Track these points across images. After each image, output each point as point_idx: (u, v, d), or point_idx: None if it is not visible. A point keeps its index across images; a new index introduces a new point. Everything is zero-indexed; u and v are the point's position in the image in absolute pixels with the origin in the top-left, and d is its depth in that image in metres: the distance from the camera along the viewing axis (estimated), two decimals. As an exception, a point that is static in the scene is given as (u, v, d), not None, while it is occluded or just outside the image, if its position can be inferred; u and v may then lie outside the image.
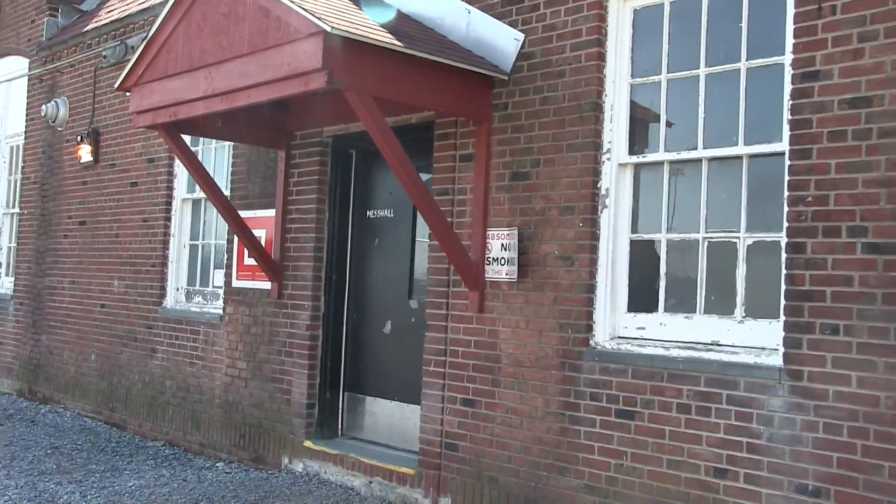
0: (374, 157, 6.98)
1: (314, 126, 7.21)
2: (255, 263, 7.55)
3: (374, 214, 7.07)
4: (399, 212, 6.84)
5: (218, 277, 8.50)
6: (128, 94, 8.89)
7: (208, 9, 5.89)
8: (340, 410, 7.23)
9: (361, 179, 7.19)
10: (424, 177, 6.33)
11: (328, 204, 7.21)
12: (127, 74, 6.62)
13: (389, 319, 6.85)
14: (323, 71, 4.97)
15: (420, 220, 6.70)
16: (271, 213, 7.55)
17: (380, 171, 7.04)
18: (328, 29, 4.88)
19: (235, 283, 7.88)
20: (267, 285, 7.52)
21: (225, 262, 8.15)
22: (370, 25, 5.35)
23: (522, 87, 5.70)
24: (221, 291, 8.29)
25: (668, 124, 5.13)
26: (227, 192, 8.11)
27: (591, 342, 5.23)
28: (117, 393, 9.40)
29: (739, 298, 4.72)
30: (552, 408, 5.34)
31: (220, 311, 8.13)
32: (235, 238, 7.82)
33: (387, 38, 5.22)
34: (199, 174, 6.88)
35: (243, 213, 7.48)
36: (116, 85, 6.73)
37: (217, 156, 8.60)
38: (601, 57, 5.33)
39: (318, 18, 4.93)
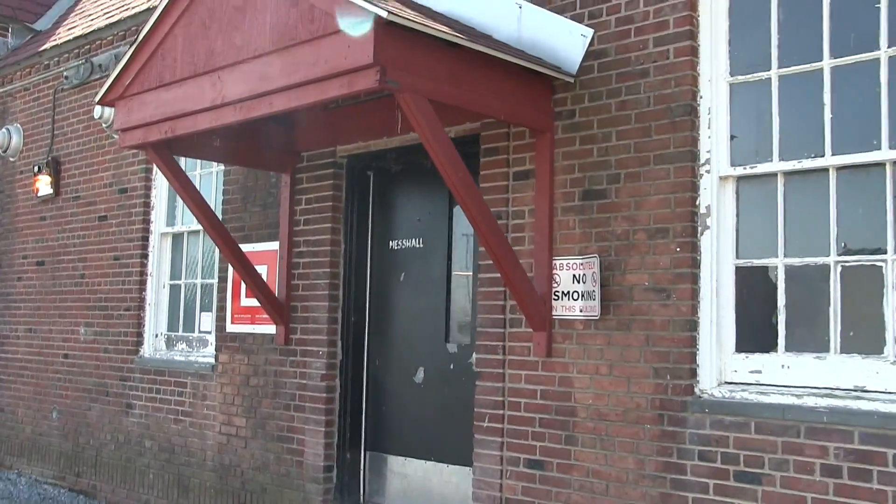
0: (398, 179, 6.10)
1: (325, 145, 6.30)
2: (256, 305, 6.56)
3: (398, 245, 6.15)
4: (431, 241, 5.94)
5: (205, 321, 7.47)
6: (99, 117, 7.94)
7: (216, 3, 4.95)
8: (362, 473, 6.23)
9: (382, 205, 6.27)
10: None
11: (344, 234, 6.27)
12: (110, 86, 5.63)
13: (422, 366, 5.91)
14: (374, 68, 4.08)
15: (457, 251, 5.80)
16: (274, 246, 6.58)
17: (405, 194, 6.13)
18: (384, 15, 3.99)
19: (231, 328, 6.86)
20: (270, 329, 6.52)
21: (216, 303, 7.13)
22: (419, 14, 4.47)
23: (593, 91, 4.87)
24: (212, 337, 7.26)
25: (782, 129, 4.32)
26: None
27: (696, 390, 4.35)
28: (84, 455, 8.24)
29: (891, 334, 3.90)
30: (648, 470, 4.45)
31: (212, 360, 7.09)
32: (230, 276, 6.83)
33: (446, 31, 4.34)
34: (196, 203, 5.90)
35: (245, 247, 6.49)
36: (98, 98, 5.73)
37: (202, 184, 7.59)
38: (694, 52, 4.53)
39: (369, 2, 4.04)
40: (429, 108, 4.29)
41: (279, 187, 6.63)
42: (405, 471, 5.97)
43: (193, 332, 7.64)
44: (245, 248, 6.55)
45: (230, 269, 6.86)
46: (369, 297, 6.30)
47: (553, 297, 4.93)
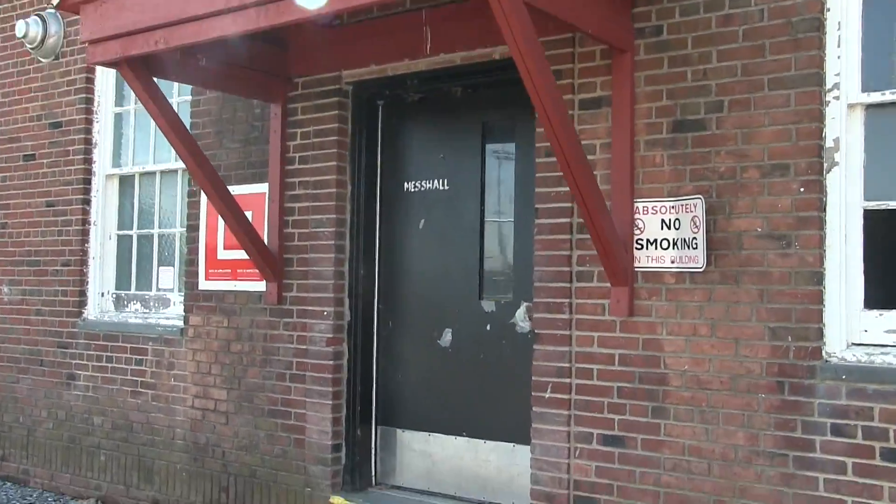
0: (416, 110, 5.31)
1: (326, 69, 5.40)
2: (237, 258, 5.66)
3: (416, 187, 5.33)
4: (458, 183, 5.15)
5: (165, 277, 6.49)
6: (23, 36, 6.76)
7: None
8: (373, 451, 5.44)
9: (394, 141, 5.44)
10: (520, 132, 4.72)
11: (350, 174, 5.41)
12: (73, -14, 4.57)
13: (448, 328, 5.15)
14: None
15: (491, 194, 5.04)
16: (260, 188, 5.67)
17: (425, 128, 5.32)
18: None
19: (204, 285, 5.93)
20: (258, 286, 5.63)
21: (184, 257, 6.17)
22: None
23: (687, 3, 4.16)
24: (175, 296, 6.31)
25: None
26: (181, 164, 6.12)
27: (823, 353, 3.75)
28: (12, 436, 7.18)
29: None
30: (764, 446, 3.85)
31: (180, 323, 6.14)
32: (202, 224, 5.88)
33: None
34: (179, 135, 4.95)
35: None
36: (55, 1, 4.64)
37: (161, 116, 6.52)
38: (819, -44, 3.85)
39: None
40: (524, 12, 3.47)
41: (266, 119, 5.69)
42: (428, 448, 5.22)
43: (150, 290, 6.64)
44: None
45: (202, 216, 5.92)
46: (379, 247, 5.48)
47: (635, 245, 4.22)
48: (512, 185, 4.99)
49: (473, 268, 5.09)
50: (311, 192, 5.43)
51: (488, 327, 5.02)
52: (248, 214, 5.64)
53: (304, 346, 5.42)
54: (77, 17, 6.46)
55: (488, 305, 5.04)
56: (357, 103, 5.44)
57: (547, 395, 4.47)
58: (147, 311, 6.58)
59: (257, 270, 5.58)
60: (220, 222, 5.80)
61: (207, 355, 5.90)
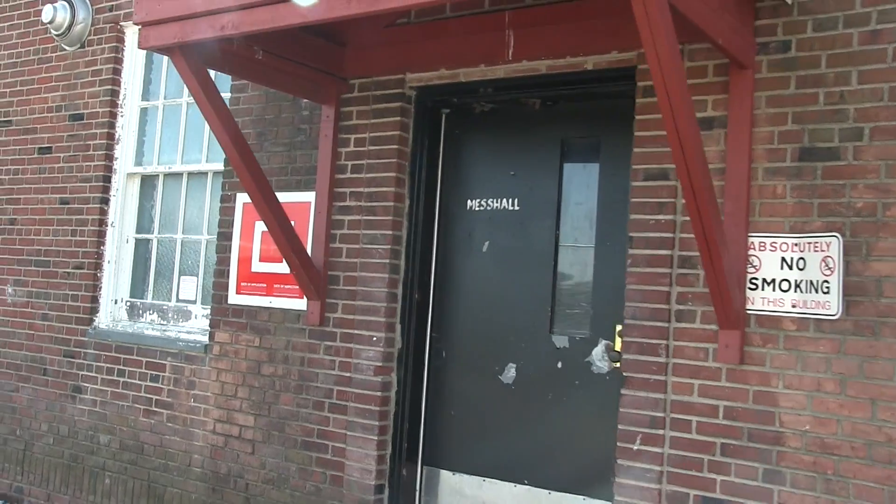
0: (484, 121, 4.78)
1: (388, 70, 4.84)
2: (274, 271, 5.10)
3: (480, 205, 4.77)
4: (530, 203, 4.60)
5: (187, 288, 5.88)
6: (49, 21, 6.18)
7: None
8: (418, 494, 4.85)
9: (457, 153, 4.89)
10: (607, 151, 4.19)
11: (410, 188, 4.84)
12: (122, -39, 3.98)
13: (512, 362, 4.58)
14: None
15: (568, 217, 4.49)
16: (304, 197, 5.09)
17: (493, 142, 4.77)
18: None
19: (234, 300, 5.32)
20: (298, 304, 5.04)
21: (212, 267, 5.58)
22: None
23: (822, 17, 3.64)
24: (197, 308, 5.72)
25: None
26: (218, 166, 5.55)
27: (976, 421, 3.21)
28: (7, 449, 6.53)
29: None
30: (901, 525, 3.28)
31: (204, 339, 5.53)
32: (236, 232, 5.29)
33: None
34: (230, 133, 4.36)
35: None
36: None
37: (193, 114, 5.96)
38: None
39: None
40: (667, 12, 2.93)
41: (314, 122, 5.13)
42: (482, 494, 4.64)
43: (168, 300, 6.02)
44: None
45: (237, 223, 5.34)
46: (435, 269, 4.89)
47: (748, 285, 3.67)
48: (593, 209, 4.45)
49: (544, 298, 4.53)
50: (364, 205, 4.85)
51: (559, 365, 4.46)
52: (292, 225, 5.04)
53: (348, 374, 4.83)
54: (106, 3, 5.93)
55: (560, 341, 4.47)
56: (420, 110, 4.88)
57: (636, 447, 3.90)
58: (165, 322, 5.96)
59: (298, 287, 5.00)
60: (257, 231, 5.22)
61: (234, 376, 5.29)
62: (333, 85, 4.96)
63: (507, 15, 4.39)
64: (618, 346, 4.26)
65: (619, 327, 4.26)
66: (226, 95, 5.57)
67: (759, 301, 3.69)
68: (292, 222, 5.06)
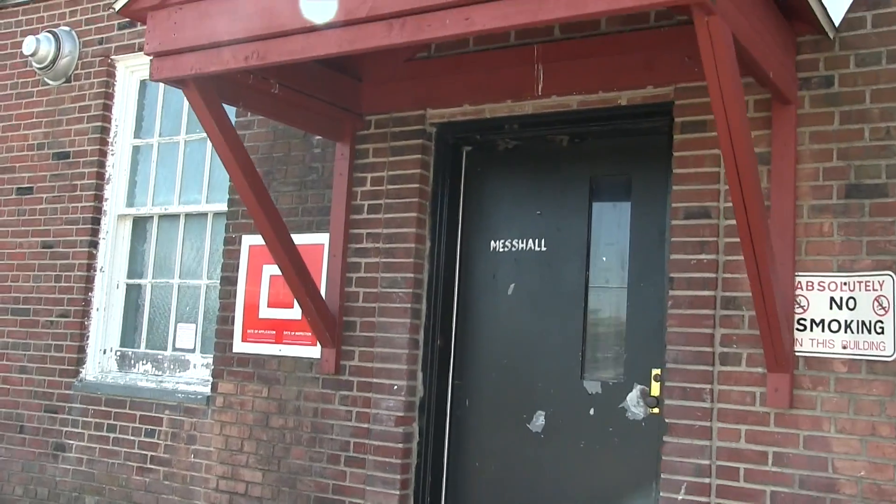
0: (508, 159, 4.99)
1: (407, 106, 5.02)
2: (285, 318, 5.22)
3: (505, 246, 4.94)
4: (558, 244, 4.77)
5: (185, 336, 5.98)
6: (31, 54, 6.31)
7: None
8: (441, 553, 4.93)
9: (479, 193, 5.06)
10: (639, 189, 4.38)
11: (431, 229, 4.99)
12: (140, -8, 4.15)
13: (541, 410, 4.72)
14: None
15: (598, 258, 4.65)
16: (317, 239, 5.23)
17: (518, 180, 4.96)
18: None
19: (240, 348, 5.42)
20: (310, 352, 5.15)
21: (214, 313, 5.68)
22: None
23: (865, 53, 3.90)
24: (196, 357, 5.81)
25: None
26: (219, 207, 5.68)
27: None
28: (-17, 512, 6.49)
29: None
30: (963, 571, 3.43)
31: (205, 390, 5.61)
32: (242, 276, 5.39)
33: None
34: (245, 170, 4.48)
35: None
36: (118, 6, 4.21)
37: (191, 152, 6.10)
38: None
39: None
40: (731, 42, 3.13)
41: (326, 160, 5.29)
42: (512, 551, 4.72)
43: (165, 349, 6.09)
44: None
45: (242, 267, 5.44)
46: (456, 312, 5.03)
47: (796, 326, 3.85)
48: (625, 249, 4.63)
49: (574, 341, 4.68)
50: (383, 247, 4.99)
51: (592, 412, 4.59)
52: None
53: (366, 425, 4.92)
54: (96, 36, 6.08)
55: (592, 386, 4.62)
56: (440, 147, 5.06)
57: (680, 497, 4.03)
58: (160, 373, 6.02)
59: (310, 334, 5.11)
60: (265, 275, 5.33)
61: (240, 429, 5.36)
62: (349, 121, 5.12)
63: (535, 49, 4.59)
64: (654, 391, 4.40)
65: (655, 371, 4.41)
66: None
67: (808, 342, 3.86)
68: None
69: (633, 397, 4.50)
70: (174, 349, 6.05)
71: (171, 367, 6.00)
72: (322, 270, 5.16)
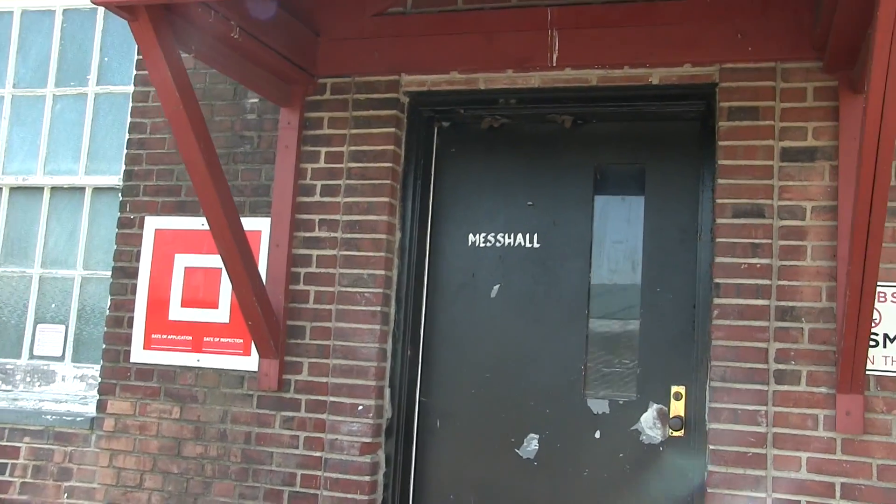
0: (493, 139, 4.46)
1: (376, 70, 4.33)
2: (204, 320, 4.41)
3: (486, 241, 4.36)
4: (553, 239, 4.27)
5: (49, 340, 4.95)
6: None
7: None
8: None
9: (455, 176, 4.47)
10: (654, 182, 3.97)
11: (402, 217, 4.31)
12: None
13: (534, 433, 4.18)
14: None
15: (603, 258, 4.19)
16: (253, 224, 4.46)
17: (503, 164, 4.40)
18: None
19: (142, 356, 4.50)
20: (242, 363, 4.34)
21: (101, 312, 4.70)
22: None
23: (943, 41, 3.60)
24: (73, 370, 4.79)
25: None
26: (109, 180, 4.74)
27: None
28: None
29: None
30: None
31: (87, 410, 4.63)
32: (144, 266, 4.49)
33: None
34: (198, 132, 3.63)
35: (183, 224, 4.32)
36: None
37: (62, 110, 5.06)
38: None
39: None
40: None
41: (267, 130, 4.51)
42: None
43: (18, 357, 4.98)
44: (183, 223, 4.36)
45: (146, 255, 4.53)
46: (425, 318, 4.38)
47: (870, 343, 3.55)
48: (636, 249, 4.19)
49: (575, 353, 4.18)
50: (342, 237, 4.26)
51: (597, 434, 4.11)
52: (229, 260, 4.33)
53: (319, 453, 4.18)
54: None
55: (598, 405, 4.13)
56: (413, 122, 4.38)
57: (732, 536, 3.61)
58: (10, 388, 4.93)
59: (240, 341, 4.35)
60: (178, 267, 4.47)
61: (139, 460, 4.43)
62: (300, 82, 4.34)
63: (549, 12, 4.05)
64: (675, 411, 3.98)
65: (675, 389, 4.01)
66: (126, 89, 4.77)
67: (881, 360, 3.57)
68: (234, 256, 4.34)
69: (648, 418, 4.05)
70: (32, 356, 4.95)
71: (29, 379, 4.91)
72: (259, 264, 4.32)
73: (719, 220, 3.81)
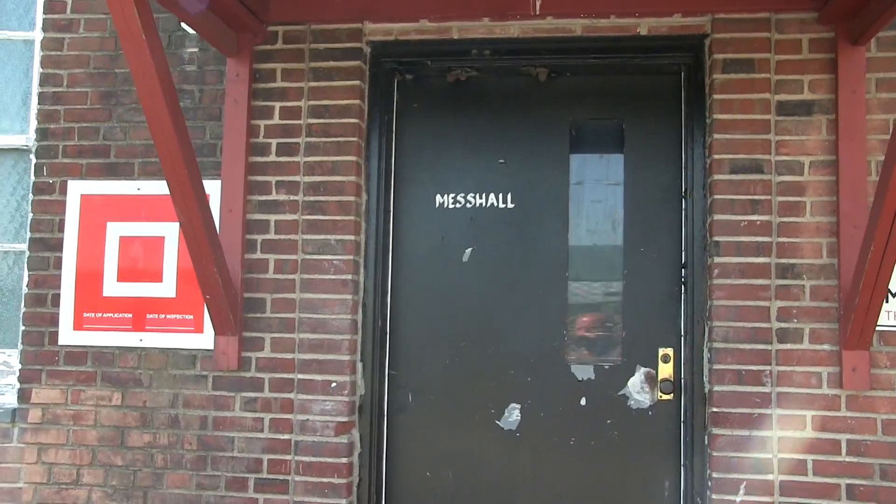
0: (459, 93, 4.15)
1: (325, 17, 3.94)
2: (150, 295, 3.91)
3: (456, 202, 4.07)
4: (528, 199, 4.02)
5: (-52, 323, 4.32)
6: None
7: None
8: (383, 590, 4.00)
9: (418, 133, 4.13)
10: (633, 138, 3.81)
11: (367, 177, 3.97)
12: None
13: (515, 402, 3.95)
14: None
15: (581, 218, 4.00)
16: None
17: (471, 120, 4.10)
18: None
19: (71, 338, 4.00)
20: (192, 341, 3.91)
21: (24, 289, 4.13)
22: None
23: (934, -6, 3.57)
24: (9, 354, 4.21)
25: None
26: (13, 140, 4.17)
27: None
28: None
29: None
30: None
31: (8, 401, 4.06)
32: (71, 238, 3.99)
33: None
34: (163, 79, 3.18)
35: (114, 189, 3.86)
36: None
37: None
38: None
39: None
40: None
41: (210, 82, 4.06)
42: (481, 579, 3.93)
43: None
44: (115, 187, 3.87)
45: (71, 224, 4.00)
46: (392, 285, 4.06)
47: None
48: (616, 207, 4.00)
49: (555, 318, 3.96)
50: (305, 200, 3.87)
51: (583, 402, 3.92)
52: (169, 227, 3.88)
53: (287, 436, 3.80)
54: None
55: (582, 371, 3.93)
56: (375, 74, 4.01)
57: (739, 499, 3.52)
58: None
59: (189, 317, 3.92)
60: (111, 237, 3.98)
61: (75, 453, 3.92)
62: (250, 29, 3.88)
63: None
64: (663, 374, 3.83)
65: (663, 351, 3.87)
66: (27, 35, 4.18)
67: (884, 315, 3.51)
68: (173, 222, 3.89)
69: (635, 382, 3.89)
70: (-72, 342, 4.31)
71: (-72, 368, 4.27)
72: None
73: (717, 177, 3.65)
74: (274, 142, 3.93)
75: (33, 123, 4.22)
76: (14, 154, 4.29)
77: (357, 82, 3.90)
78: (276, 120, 3.93)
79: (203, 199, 3.49)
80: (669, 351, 3.87)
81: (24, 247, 4.23)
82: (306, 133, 3.90)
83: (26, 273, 4.08)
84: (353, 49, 3.92)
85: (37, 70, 4.23)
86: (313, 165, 3.88)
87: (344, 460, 3.78)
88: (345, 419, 3.80)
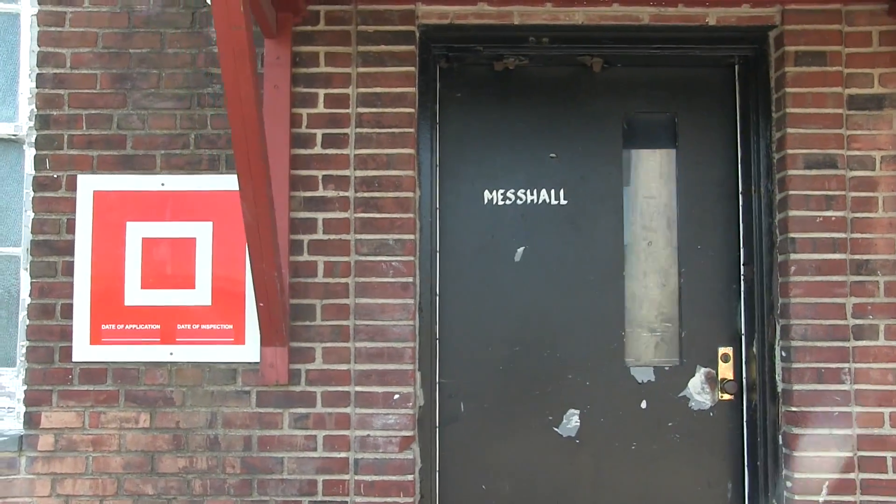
0: (507, 82, 3.88)
1: (380, -1, 3.62)
2: (179, 304, 3.51)
3: (505, 198, 3.84)
4: (582, 196, 3.83)
5: (-78, 339, 3.75)
6: None
7: None
8: None
9: (464, 125, 3.86)
10: (686, 134, 3.71)
11: (419, 172, 3.68)
12: None
13: (574, 408, 3.77)
14: None
15: (637, 215, 3.85)
16: (224, 183, 3.56)
17: (519, 112, 3.87)
18: None
19: (88, 353, 3.53)
20: (232, 353, 3.53)
21: (28, 300, 3.62)
22: None
23: None
24: (13, 374, 3.68)
25: None
26: (13, 129, 3.67)
27: None
28: None
29: None
30: None
31: (15, 426, 3.56)
32: (84, 241, 3.54)
33: None
34: (245, 65, 2.81)
35: (133, 184, 3.45)
36: None
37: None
38: None
39: None
40: None
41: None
42: None
43: None
44: (134, 182, 3.45)
45: (83, 225, 3.53)
46: (440, 288, 3.79)
47: (944, 293, 3.52)
48: (669, 205, 3.86)
49: (614, 319, 3.79)
50: (357, 196, 3.54)
51: (643, 405, 3.76)
52: (200, 227, 3.48)
53: (344, 454, 3.47)
54: None
55: (642, 373, 3.77)
56: (424, 61, 3.71)
57: (822, 499, 3.45)
58: None
59: (229, 327, 3.52)
60: (131, 239, 3.52)
61: (96, 483, 3.46)
62: (290, 7, 3.49)
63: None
64: (723, 374, 3.73)
65: (723, 350, 3.76)
66: (13, 7, 3.66)
67: (959, 310, 3.51)
68: (210, 223, 3.50)
69: (696, 383, 3.76)
70: None
71: None
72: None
73: (791, 172, 3.55)
74: (319, 132, 3.56)
75: (24, 109, 3.67)
76: (2, 144, 3.72)
77: (411, 68, 3.58)
78: (320, 108, 3.56)
79: (272, 199, 3.10)
80: (729, 350, 3.75)
81: (17, 251, 3.67)
82: (356, 123, 3.55)
83: (26, 280, 3.55)
84: (406, 32, 3.59)
85: (25, 48, 3.67)
86: (366, 158, 3.53)
87: (409, 477, 3.47)
88: (409, 433, 3.49)
